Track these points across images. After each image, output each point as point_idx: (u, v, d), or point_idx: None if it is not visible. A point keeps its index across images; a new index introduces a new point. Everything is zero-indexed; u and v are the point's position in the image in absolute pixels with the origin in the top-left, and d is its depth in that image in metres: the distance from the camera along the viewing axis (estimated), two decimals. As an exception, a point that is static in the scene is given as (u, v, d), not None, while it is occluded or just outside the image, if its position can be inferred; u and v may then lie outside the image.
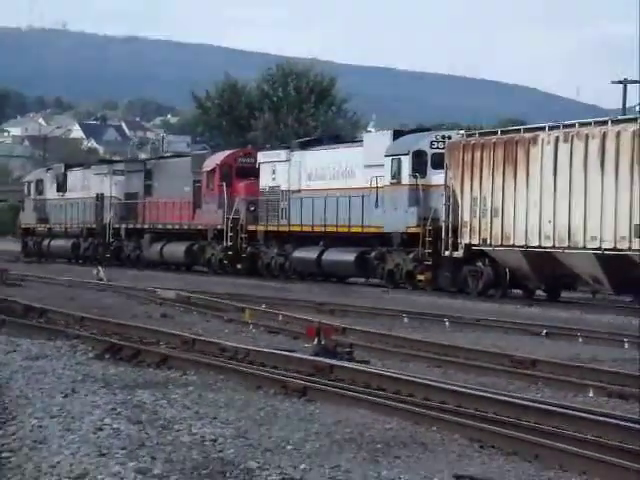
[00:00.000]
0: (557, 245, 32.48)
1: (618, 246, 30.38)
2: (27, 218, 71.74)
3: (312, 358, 18.31)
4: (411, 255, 38.20)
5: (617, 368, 18.32)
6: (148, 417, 13.28)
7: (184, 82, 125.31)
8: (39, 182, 70.70)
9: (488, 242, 34.78)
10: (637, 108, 52.97)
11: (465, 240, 35.56)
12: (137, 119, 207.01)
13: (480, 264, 35.51)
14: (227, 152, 53.65)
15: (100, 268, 50.92)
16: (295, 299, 33.70)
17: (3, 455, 11.16)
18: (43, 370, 17.30)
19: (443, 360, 19.39)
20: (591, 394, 16.03)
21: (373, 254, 40.31)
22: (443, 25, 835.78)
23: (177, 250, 53.20)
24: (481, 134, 36.94)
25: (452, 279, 36.89)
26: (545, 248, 33.05)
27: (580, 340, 23.65)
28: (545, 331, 25.06)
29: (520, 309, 32.70)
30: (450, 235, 36.04)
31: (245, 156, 51.45)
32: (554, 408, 13.57)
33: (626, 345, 22.74)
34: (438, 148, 38.07)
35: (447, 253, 36.21)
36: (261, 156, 48.98)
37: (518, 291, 37.31)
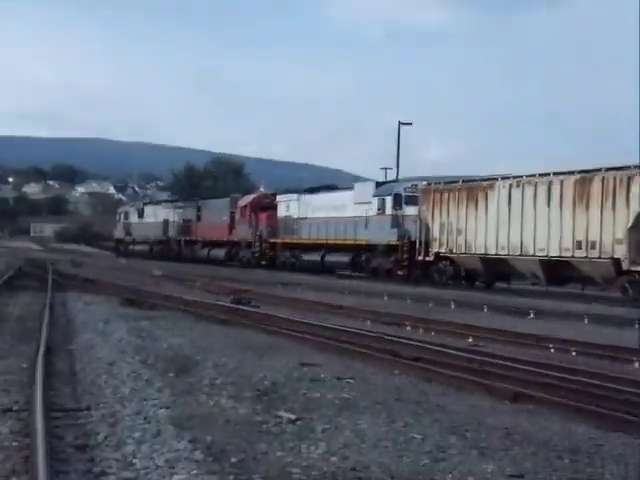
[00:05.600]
0: (510, 253, 27.14)
1: (563, 254, 25.27)
2: (118, 233, 63.93)
3: (229, 305, 18.44)
4: (392, 258, 33.21)
5: (384, 310, 18.33)
6: (146, 334, 13.19)
7: (165, 164, 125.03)
8: (126, 212, 63.55)
9: (453, 251, 29.84)
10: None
11: (435, 249, 30.56)
12: (142, 183, 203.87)
13: (442, 265, 30.54)
14: (254, 195, 46.14)
15: (123, 258, 49.67)
16: (225, 277, 32.57)
17: (73, 353, 11.18)
18: (93, 310, 17.15)
19: (297, 307, 19.29)
20: (368, 323, 16.21)
21: (363, 257, 35.23)
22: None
23: (219, 253, 47.20)
24: (446, 183, 31.34)
25: (421, 275, 31.60)
26: (500, 255, 27.57)
27: (363, 296, 23.45)
28: (347, 291, 24.86)
29: (371, 283, 30.47)
30: (423, 246, 31.07)
31: (266, 197, 45.06)
32: (350, 330, 13.71)
33: (386, 298, 22.68)
34: (409, 192, 33.28)
35: (420, 257, 31.17)
36: (279, 197, 42.92)
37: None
